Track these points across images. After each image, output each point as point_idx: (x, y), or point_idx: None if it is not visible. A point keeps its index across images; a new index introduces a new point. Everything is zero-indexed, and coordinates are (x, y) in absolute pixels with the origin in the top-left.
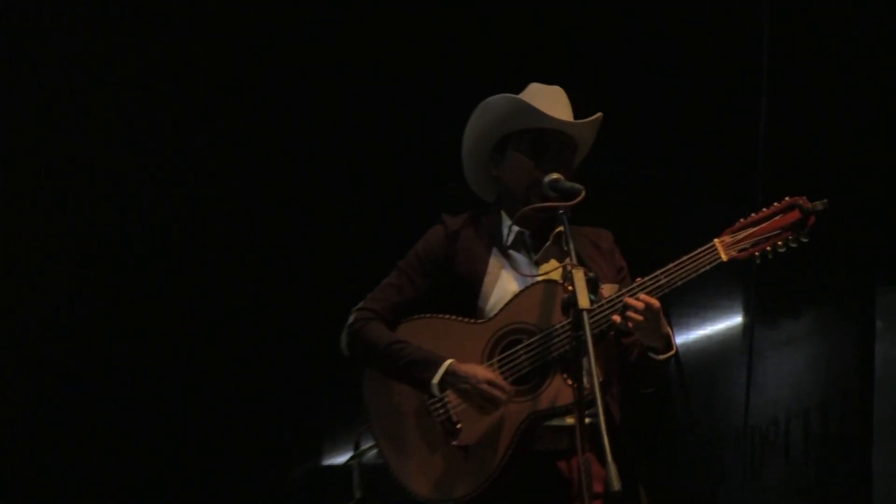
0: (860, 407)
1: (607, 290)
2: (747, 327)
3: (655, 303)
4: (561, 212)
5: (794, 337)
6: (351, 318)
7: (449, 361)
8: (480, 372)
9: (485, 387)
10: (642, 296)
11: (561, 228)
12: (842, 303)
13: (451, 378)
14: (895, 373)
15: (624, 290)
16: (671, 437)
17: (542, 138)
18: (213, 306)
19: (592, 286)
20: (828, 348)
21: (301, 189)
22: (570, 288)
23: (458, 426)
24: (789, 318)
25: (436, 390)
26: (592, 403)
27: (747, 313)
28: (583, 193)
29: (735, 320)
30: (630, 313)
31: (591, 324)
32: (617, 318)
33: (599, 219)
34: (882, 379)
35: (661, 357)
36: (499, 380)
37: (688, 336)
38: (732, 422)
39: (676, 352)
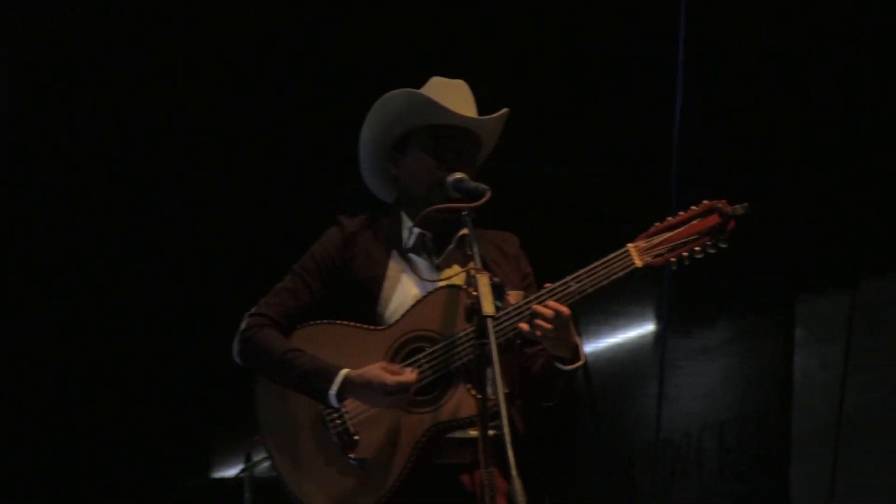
0: (778, 421)
1: (513, 297)
2: (660, 336)
3: (565, 310)
4: (465, 213)
5: (709, 347)
6: (243, 325)
7: (345, 372)
8: (375, 375)
9: (384, 391)
10: (551, 303)
11: (465, 231)
12: (760, 311)
13: (348, 388)
14: (815, 385)
15: (532, 297)
16: (579, 450)
17: (444, 135)
18: (96, 309)
19: (498, 292)
20: (744, 359)
21: (189, 187)
22: (474, 294)
23: (356, 437)
24: (704, 327)
25: (333, 401)
26: (497, 415)
27: (660, 321)
28: (488, 194)
29: (647, 329)
30: (538, 321)
31: (496, 332)
32: (524, 325)
33: (505, 221)
34: (801, 391)
35: (569, 368)
36: (396, 377)
37: (597, 345)
38: (643, 436)
39: (585, 362)
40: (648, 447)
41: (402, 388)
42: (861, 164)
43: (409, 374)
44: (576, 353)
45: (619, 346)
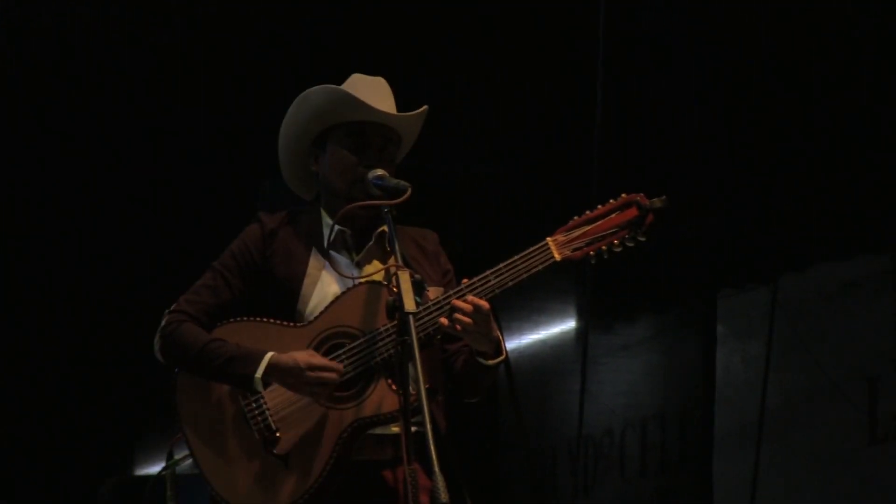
0: (701, 417)
1: (433, 293)
2: (581, 332)
3: (485, 304)
4: (386, 210)
5: (631, 343)
6: (163, 322)
7: (270, 354)
8: (301, 356)
9: (308, 373)
10: (470, 297)
11: (384, 228)
12: (681, 307)
13: (273, 371)
14: (737, 381)
15: (451, 292)
16: (501, 448)
17: (364, 132)
18: (11, 304)
19: (418, 288)
20: (666, 355)
21: (106, 183)
22: (395, 290)
23: (277, 434)
24: (626, 323)
25: (259, 385)
26: (418, 411)
27: (581, 318)
28: (409, 191)
29: (569, 325)
30: (457, 315)
31: (416, 327)
32: (444, 320)
33: (424, 218)
34: (723, 387)
35: (491, 362)
36: (323, 360)
37: (519, 341)
38: (565, 432)
39: (507, 358)
40: (570, 444)
41: (327, 367)
42: (781, 157)
43: (336, 363)
44: (498, 347)
45: (542, 342)
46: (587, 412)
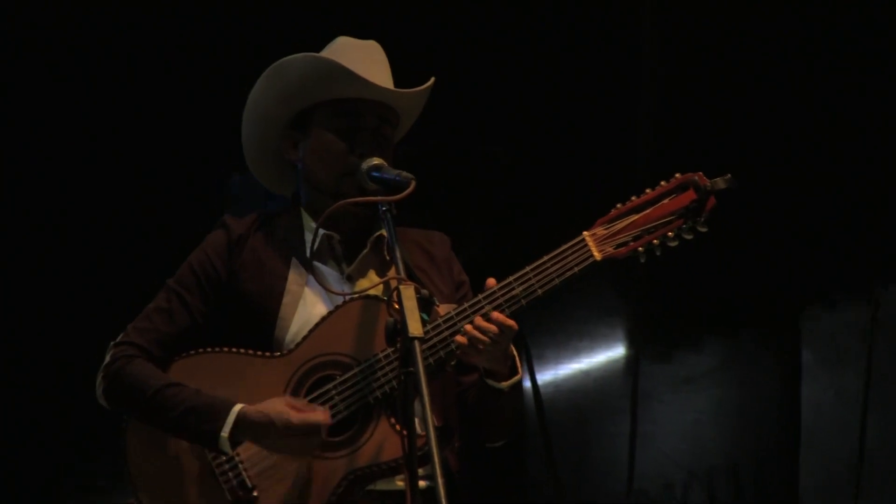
0: (782, 467)
1: (443, 310)
2: (631, 361)
3: (513, 325)
4: (384, 208)
5: (695, 375)
6: (108, 357)
7: (238, 407)
8: (275, 411)
9: (288, 439)
10: (496, 315)
11: (382, 232)
12: (757, 330)
13: (244, 428)
14: (828, 421)
15: (466, 305)
16: None
17: (356, 111)
18: None
19: (425, 306)
20: (739, 390)
21: (45, 183)
22: (396, 308)
23: (254, 493)
24: (688, 350)
25: (226, 446)
26: (428, 458)
27: (632, 343)
28: (413, 184)
29: (617, 352)
30: (476, 334)
31: (426, 351)
32: (462, 339)
33: (429, 214)
34: (810, 430)
35: (504, 384)
36: (303, 415)
37: (556, 372)
38: (612, 487)
39: (538, 393)
40: (619, 501)
41: (311, 428)
42: (880, 144)
43: (320, 413)
44: (513, 367)
45: (583, 373)
46: (639, 461)
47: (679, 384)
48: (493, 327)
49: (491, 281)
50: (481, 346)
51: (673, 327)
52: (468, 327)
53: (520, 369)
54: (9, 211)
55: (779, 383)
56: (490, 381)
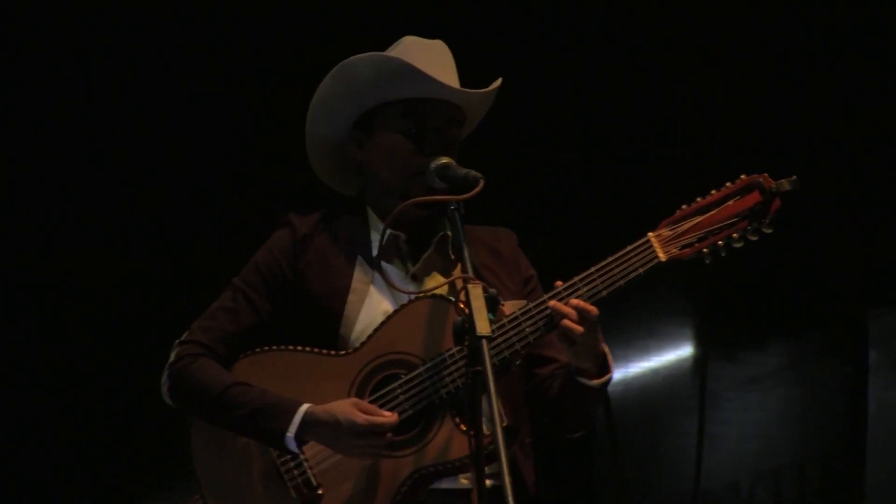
0: (849, 466)
1: (511, 307)
2: (699, 361)
3: (593, 310)
4: (452, 207)
5: (761, 374)
6: (173, 356)
7: (305, 406)
8: (343, 413)
9: (354, 441)
10: (574, 301)
11: (447, 231)
12: (824, 329)
13: (310, 428)
14: (894, 421)
15: (530, 305)
16: None
17: (424, 112)
18: None
19: (491, 305)
20: (806, 389)
21: (106, 185)
22: (463, 308)
23: (320, 491)
24: (755, 350)
25: (292, 445)
26: (494, 457)
27: (699, 343)
28: (482, 183)
29: (685, 351)
30: (566, 323)
31: (491, 351)
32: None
33: (495, 215)
34: (877, 429)
35: (595, 382)
36: (370, 417)
37: (625, 371)
38: (679, 486)
39: (605, 392)
40: (685, 501)
41: (377, 429)
42: None
43: (387, 416)
44: (603, 364)
45: (652, 372)
46: (707, 460)
47: (745, 384)
48: (570, 311)
49: (559, 283)
50: (574, 335)
51: (740, 327)
52: (552, 305)
53: (611, 368)
54: (91, 211)
55: (845, 383)
56: (581, 379)
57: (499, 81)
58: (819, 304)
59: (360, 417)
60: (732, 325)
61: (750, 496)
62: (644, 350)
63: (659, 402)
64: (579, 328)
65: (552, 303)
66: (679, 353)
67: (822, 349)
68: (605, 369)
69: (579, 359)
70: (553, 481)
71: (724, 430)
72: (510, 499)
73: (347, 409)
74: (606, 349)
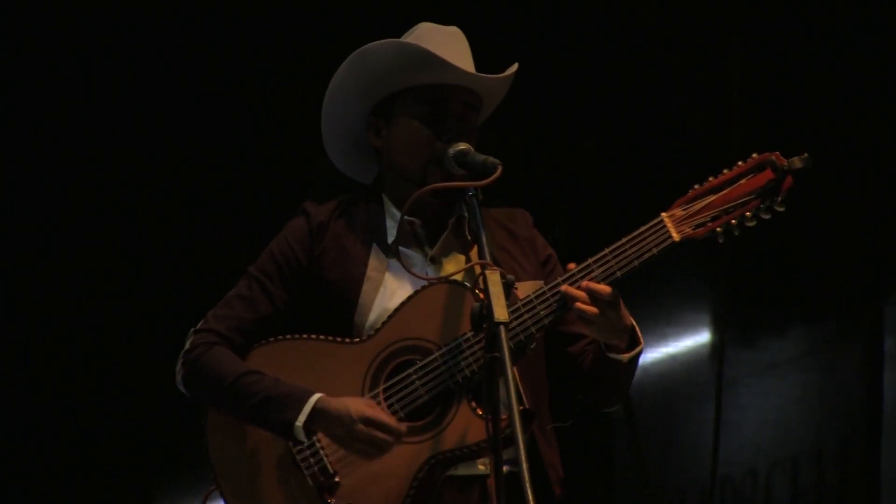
0: (865, 454)
1: (527, 288)
2: (716, 347)
3: (603, 289)
4: (471, 194)
5: (780, 361)
6: (187, 344)
7: (316, 396)
8: (355, 406)
9: (360, 428)
10: (584, 283)
11: (463, 213)
12: (842, 316)
13: (319, 418)
14: None
15: (545, 288)
16: (615, 491)
17: (443, 98)
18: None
19: (507, 290)
20: (824, 376)
21: (121, 175)
22: (480, 293)
23: (336, 479)
24: (773, 336)
25: (301, 435)
26: (510, 441)
27: (717, 329)
28: (500, 169)
29: (701, 338)
30: (579, 305)
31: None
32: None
33: (509, 197)
34: (892, 416)
35: (625, 356)
36: (381, 415)
37: (643, 356)
38: (696, 472)
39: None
40: (703, 487)
41: (384, 426)
42: None
43: (397, 425)
44: (633, 337)
45: (671, 358)
46: (724, 447)
47: (763, 370)
48: (581, 293)
49: (571, 266)
50: (588, 317)
51: (757, 313)
52: (564, 289)
53: (641, 341)
54: (103, 200)
55: (862, 369)
56: (611, 355)
57: (515, 66)
58: (837, 291)
59: (370, 411)
60: (750, 312)
61: (767, 482)
62: (662, 336)
63: (677, 388)
64: (593, 309)
65: (563, 287)
66: (697, 339)
67: (840, 336)
68: (635, 342)
69: (605, 336)
70: (571, 467)
71: (742, 416)
72: (527, 483)
73: (360, 403)
74: (633, 322)
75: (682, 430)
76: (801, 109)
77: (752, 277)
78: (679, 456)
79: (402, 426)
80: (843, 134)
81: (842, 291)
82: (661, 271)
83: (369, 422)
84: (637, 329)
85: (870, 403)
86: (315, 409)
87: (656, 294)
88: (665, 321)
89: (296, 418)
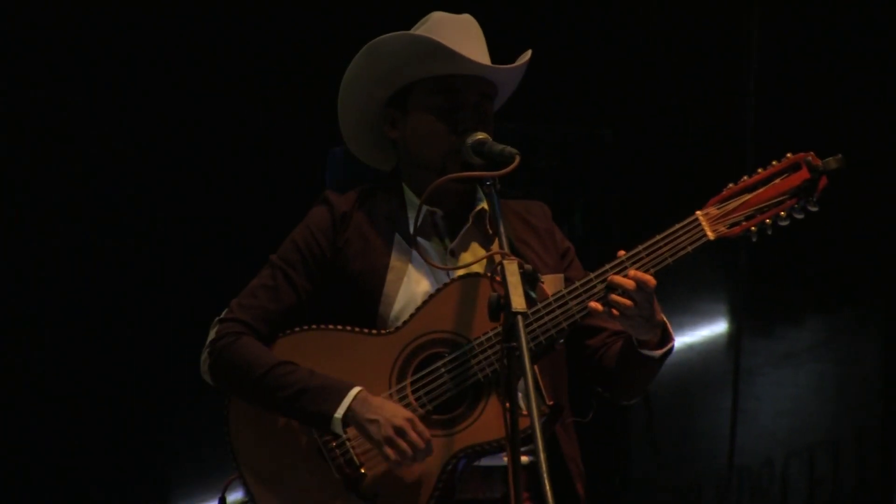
0: (880, 442)
1: (549, 282)
2: (733, 337)
3: (650, 280)
4: (489, 184)
5: (796, 350)
6: (213, 334)
7: (357, 389)
8: (391, 411)
9: (390, 433)
10: (632, 272)
11: (483, 206)
12: (859, 305)
13: (360, 410)
14: None
15: (578, 283)
16: (633, 480)
17: (456, 87)
18: (24, 310)
19: (530, 281)
20: (840, 365)
21: (139, 165)
22: (498, 284)
23: (362, 470)
24: (790, 325)
25: (338, 427)
26: (531, 438)
27: (733, 318)
28: (517, 159)
29: (718, 328)
30: (615, 297)
31: (533, 330)
32: (596, 305)
33: (532, 192)
34: None
35: (657, 353)
36: (415, 427)
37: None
38: (713, 462)
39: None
40: (720, 477)
41: (412, 433)
42: None
43: (426, 442)
44: (665, 334)
45: (688, 347)
46: (741, 436)
47: (780, 360)
48: (630, 283)
49: (620, 253)
50: (617, 311)
51: (774, 303)
52: (612, 278)
53: (672, 337)
54: (134, 187)
55: (878, 359)
56: (644, 351)
57: (528, 54)
58: (853, 281)
59: (407, 421)
60: (767, 301)
61: (784, 472)
62: (678, 325)
63: (693, 377)
64: (628, 302)
65: (612, 276)
66: (713, 328)
67: (856, 325)
68: (667, 338)
69: (638, 331)
70: (588, 457)
71: (758, 405)
72: (545, 477)
73: (400, 410)
74: (664, 318)
75: (698, 419)
76: (819, 104)
77: (769, 267)
78: (696, 445)
79: (428, 436)
80: (860, 125)
81: (858, 281)
82: (678, 260)
83: (400, 430)
84: (668, 325)
85: (886, 393)
86: (355, 401)
87: (673, 283)
88: (682, 310)
89: (334, 410)
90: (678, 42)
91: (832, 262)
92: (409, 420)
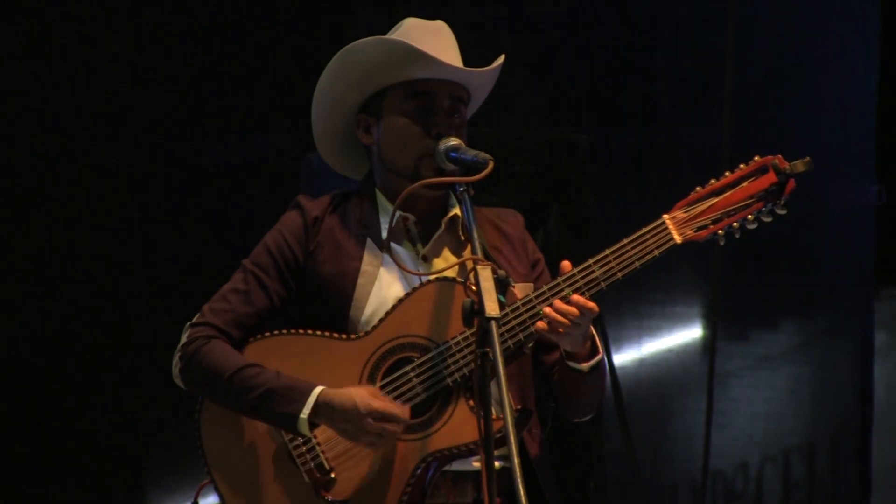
0: (856, 447)
1: (520, 290)
2: (709, 340)
3: (594, 307)
4: (462, 189)
5: (772, 354)
6: (184, 338)
7: (319, 389)
8: (361, 399)
9: (369, 422)
10: (576, 298)
11: (455, 211)
12: (833, 310)
13: (324, 411)
14: None
15: (545, 288)
16: (607, 484)
17: (430, 92)
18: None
19: (502, 287)
20: (816, 369)
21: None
22: (473, 289)
23: (332, 475)
24: (765, 330)
25: (305, 428)
26: (505, 440)
27: (709, 322)
28: (491, 165)
29: (692, 332)
30: (556, 317)
31: (505, 334)
32: (542, 325)
33: (503, 196)
34: (885, 410)
35: (585, 366)
36: (388, 405)
37: (638, 351)
38: (688, 465)
39: (614, 373)
40: (694, 480)
41: (391, 417)
42: None
43: (402, 407)
44: (592, 347)
45: (667, 351)
46: (716, 440)
47: (756, 363)
48: (573, 309)
49: (566, 263)
50: (561, 330)
51: (750, 307)
52: (547, 310)
53: (600, 350)
54: (106, 195)
55: (854, 363)
56: (571, 363)
57: (501, 58)
58: (828, 285)
59: (377, 402)
60: (743, 305)
61: (759, 475)
62: (654, 329)
63: (670, 381)
64: (567, 322)
65: (556, 302)
66: (689, 332)
67: (832, 329)
68: (594, 351)
69: (570, 344)
70: (563, 460)
71: (734, 409)
72: (519, 481)
73: (365, 393)
74: (592, 331)
75: (674, 422)
76: (793, 105)
77: (744, 271)
78: (671, 449)
79: (406, 409)
80: (832, 127)
81: (833, 285)
82: (654, 264)
83: (378, 415)
84: (597, 339)
85: (861, 397)
86: (319, 402)
87: (649, 287)
88: (658, 314)
89: (300, 411)
90: (655, 47)
91: (807, 266)
92: (376, 396)
